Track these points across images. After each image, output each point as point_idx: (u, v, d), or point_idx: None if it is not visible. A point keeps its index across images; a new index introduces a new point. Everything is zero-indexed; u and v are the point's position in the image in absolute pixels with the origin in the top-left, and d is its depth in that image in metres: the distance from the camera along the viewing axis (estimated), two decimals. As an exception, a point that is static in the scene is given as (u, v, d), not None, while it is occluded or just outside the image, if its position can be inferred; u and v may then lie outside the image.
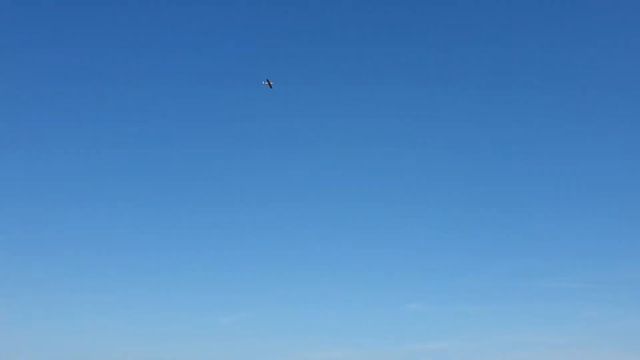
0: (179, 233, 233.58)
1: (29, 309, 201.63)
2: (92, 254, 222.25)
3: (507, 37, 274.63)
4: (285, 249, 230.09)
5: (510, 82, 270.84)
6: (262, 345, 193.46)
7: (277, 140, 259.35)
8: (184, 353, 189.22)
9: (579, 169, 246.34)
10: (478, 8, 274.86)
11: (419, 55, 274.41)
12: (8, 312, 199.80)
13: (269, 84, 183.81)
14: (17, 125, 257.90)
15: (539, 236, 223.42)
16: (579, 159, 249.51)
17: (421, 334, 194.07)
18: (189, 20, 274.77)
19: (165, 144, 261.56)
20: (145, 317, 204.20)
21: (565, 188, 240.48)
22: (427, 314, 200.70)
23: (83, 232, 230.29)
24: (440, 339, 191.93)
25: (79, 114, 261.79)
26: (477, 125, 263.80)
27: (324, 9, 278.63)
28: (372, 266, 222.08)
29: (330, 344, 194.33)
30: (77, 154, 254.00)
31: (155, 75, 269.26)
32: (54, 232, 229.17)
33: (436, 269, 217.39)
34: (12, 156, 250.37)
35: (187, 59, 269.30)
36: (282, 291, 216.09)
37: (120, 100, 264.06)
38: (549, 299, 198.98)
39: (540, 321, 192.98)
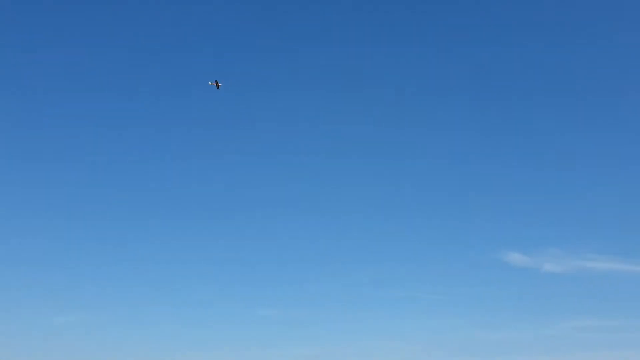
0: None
1: None
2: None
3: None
4: (130, 249, 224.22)
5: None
6: (101, 348, 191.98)
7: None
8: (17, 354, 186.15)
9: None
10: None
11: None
12: None
13: (217, 85, 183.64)
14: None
15: (390, 246, 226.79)
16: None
17: (272, 339, 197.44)
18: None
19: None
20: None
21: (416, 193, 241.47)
22: (278, 319, 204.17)
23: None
24: (290, 345, 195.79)
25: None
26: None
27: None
28: (222, 271, 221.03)
29: (177, 349, 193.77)
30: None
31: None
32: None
33: (288, 275, 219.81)
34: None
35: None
36: (124, 292, 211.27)
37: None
38: (399, 307, 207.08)
39: (389, 329, 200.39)
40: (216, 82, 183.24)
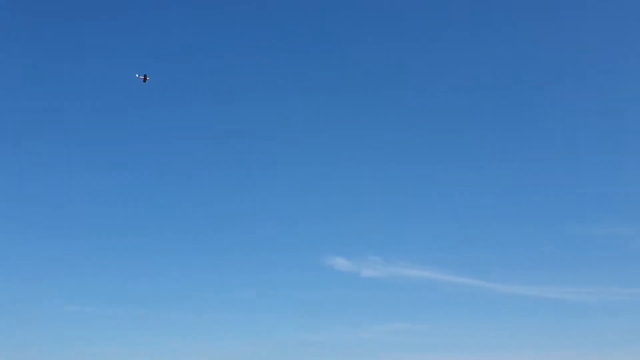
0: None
1: None
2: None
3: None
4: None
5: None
6: None
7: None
8: None
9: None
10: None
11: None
12: None
13: (145, 78, 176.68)
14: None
15: (216, 249, 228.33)
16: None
17: (83, 336, 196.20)
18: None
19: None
20: None
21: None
22: (88, 316, 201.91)
23: None
24: (104, 342, 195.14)
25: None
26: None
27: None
28: (28, 265, 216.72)
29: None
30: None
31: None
32: None
33: (100, 269, 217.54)
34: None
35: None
36: None
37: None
38: (222, 309, 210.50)
39: (213, 329, 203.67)
40: (144, 76, 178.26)
